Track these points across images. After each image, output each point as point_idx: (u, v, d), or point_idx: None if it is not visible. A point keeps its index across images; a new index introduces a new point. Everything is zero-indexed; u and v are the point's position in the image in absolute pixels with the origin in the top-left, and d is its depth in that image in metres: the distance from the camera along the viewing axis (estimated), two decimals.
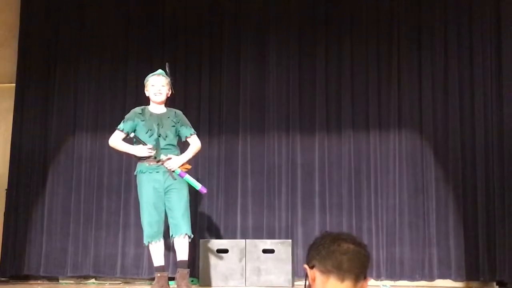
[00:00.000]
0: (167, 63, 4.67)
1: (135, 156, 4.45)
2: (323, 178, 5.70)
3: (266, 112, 5.86)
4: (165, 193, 4.38)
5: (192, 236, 4.46)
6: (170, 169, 4.39)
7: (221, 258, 5.16)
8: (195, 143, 4.61)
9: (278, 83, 5.89)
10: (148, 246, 4.39)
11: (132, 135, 4.46)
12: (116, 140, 4.52)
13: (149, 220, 4.34)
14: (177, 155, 4.48)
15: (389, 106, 5.72)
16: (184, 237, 4.36)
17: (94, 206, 5.85)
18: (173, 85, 4.67)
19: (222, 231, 5.73)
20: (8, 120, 6.10)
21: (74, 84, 6.07)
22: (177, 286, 4.40)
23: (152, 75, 4.58)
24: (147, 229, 4.35)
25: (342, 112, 5.76)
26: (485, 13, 5.66)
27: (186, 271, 4.40)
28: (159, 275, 4.38)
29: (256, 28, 6.01)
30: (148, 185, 4.35)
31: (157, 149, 4.39)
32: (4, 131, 6.16)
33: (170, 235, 4.42)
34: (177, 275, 4.40)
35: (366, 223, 5.58)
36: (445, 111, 5.62)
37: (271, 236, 5.58)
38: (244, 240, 5.32)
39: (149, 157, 4.36)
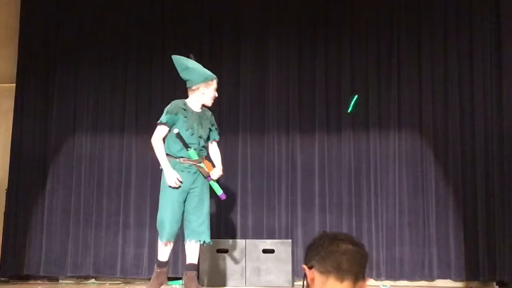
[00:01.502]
0: (191, 54, 4.55)
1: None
2: (323, 178, 5.70)
3: (266, 112, 5.86)
4: (188, 193, 4.32)
5: (211, 243, 4.44)
6: (212, 178, 4.37)
7: (221, 258, 5.16)
8: (217, 148, 4.60)
9: (278, 83, 5.89)
10: (167, 244, 4.29)
11: (175, 131, 4.28)
12: (160, 141, 4.30)
13: (172, 218, 4.25)
14: (204, 156, 4.45)
15: (389, 106, 5.72)
16: (200, 243, 4.33)
17: (94, 206, 5.85)
18: None
19: (222, 231, 5.72)
20: (8, 120, 6.10)
21: (74, 84, 6.07)
22: (186, 287, 4.36)
23: (215, 78, 4.47)
24: (168, 227, 4.25)
25: (342, 112, 5.76)
26: (485, 13, 5.66)
27: (195, 273, 4.38)
28: (159, 270, 4.35)
29: (256, 28, 6.01)
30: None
31: (196, 149, 4.32)
32: (4, 131, 6.15)
33: (185, 237, 4.35)
34: (184, 277, 4.37)
35: (366, 223, 5.58)
36: (445, 111, 5.62)
37: (271, 236, 5.58)
38: (244, 240, 5.33)
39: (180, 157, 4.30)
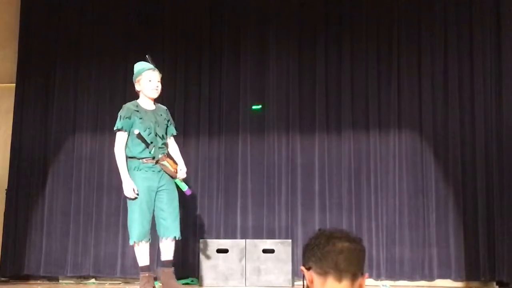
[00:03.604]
0: (147, 56, 4.55)
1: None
2: (323, 178, 5.70)
3: (266, 112, 5.86)
4: (156, 192, 4.35)
5: (180, 237, 4.49)
6: (179, 178, 4.41)
7: (221, 258, 5.16)
8: (175, 144, 4.63)
9: (278, 83, 5.89)
10: (137, 244, 4.29)
11: (136, 132, 4.29)
12: (122, 149, 4.33)
13: (141, 219, 4.27)
14: (166, 153, 4.47)
15: (389, 106, 5.71)
16: (173, 240, 4.38)
17: (94, 206, 5.85)
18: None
19: (222, 231, 5.72)
20: (8, 120, 6.10)
21: (74, 84, 6.07)
22: (164, 284, 4.36)
23: (147, 69, 4.45)
24: (138, 228, 4.26)
25: (342, 112, 5.76)
26: (485, 13, 5.65)
27: (172, 269, 4.40)
28: (147, 274, 4.34)
29: (256, 28, 6.00)
30: (142, 184, 4.28)
31: (155, 147, 4.34)
32: (4, 131, 6.16)
33: (160, 235, 4.40)
34: (162, 274, 4.37)
35: (366, 223, 5.58)
36: (445, 111, 5.62)
37: (271, 236, 5.58)
38: (244, 240, 5.33)
39: (143, 158, 4.32)
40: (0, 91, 6.26)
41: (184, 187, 4.45)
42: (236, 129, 5.87)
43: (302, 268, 1.70)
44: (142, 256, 4.33)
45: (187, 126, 5.92)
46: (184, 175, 4.51)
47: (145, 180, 4.30)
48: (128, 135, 4.35)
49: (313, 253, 1.68)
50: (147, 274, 4.34)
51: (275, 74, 5.89)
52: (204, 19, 6.06)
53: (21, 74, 6.14)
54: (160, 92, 4.57)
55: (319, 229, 1.78)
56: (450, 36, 5.70)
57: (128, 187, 4.26)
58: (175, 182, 4.42)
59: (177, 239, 4.42)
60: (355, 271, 1.66)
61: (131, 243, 4.35)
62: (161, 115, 4.51)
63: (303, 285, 1.72)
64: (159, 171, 4.35)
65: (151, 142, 4.34)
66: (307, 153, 5.77)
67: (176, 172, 4.41)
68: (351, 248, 1.68)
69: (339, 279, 1.65)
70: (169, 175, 4.39)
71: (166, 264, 4.39)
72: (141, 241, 4.29)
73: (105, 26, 6.12)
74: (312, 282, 1.68)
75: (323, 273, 1.65)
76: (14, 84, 6.14)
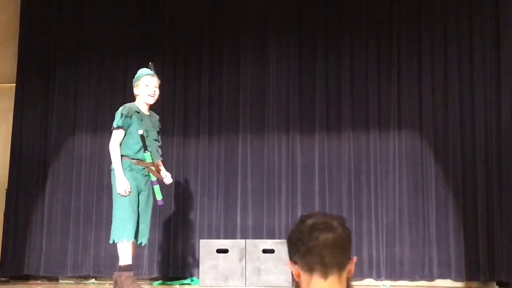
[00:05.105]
0: (150, 63, 4.56)
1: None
2: (323, 178, 5.70)
3: (266, 112, 5.86)
4: (138, 194, 4.33)
5: (146, 244, 4.48)
6: (165, 182, 4.46)
7: (221, 258, 5.16)
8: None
9: (278, 83, 5.89)
10: (127, 242, 4.24)
11: (140, 132, 4.27)
12: (118, 147, 4.29)
13: (134, 217, 4.25)
14: (160, 160, 4.52)
15: (389, 106, 5.71)
16: (138, 246, 4.34)
17: (94, 206, 5.85)
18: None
19: (222, 231, 5.72)
20: (8, 120, 6.10)
21: (74, 84, 6.07)
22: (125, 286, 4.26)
23: (145, 75, 4.46)
24: (130, 226, 4.23)
25: (342, 112, 5.76)
26: (485, 13, 5.66)
27: (132, 273, 4.31)
28: (132, 274, 4.28)
29: (256, 28, 6.01)
30: (133, 183, 4.27)
31: (151, 151, 4.34)
32: (4, 131, 6.16)
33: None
34: (126, 278, 4.24)
35: (366, 223, 5.58)
36: (445, 111, 5.62)
37: (271, 236, 5.58)
38: (244, 240, 5.32)
39: (136, 158, 4.31)
40: (0, 91, 6.26)
41: (160, 196, 4.41)
42: (236, 129, 5.87)
43: (289, 263, 1.69)
44: (127, 254, 4.26)
45: (187, 126, 5.92)
46: (171, 180, 4.53)
47: (135, 180, 4.29)
48: (125, 134, 4.33)
49: (297, 248, 1.66)
50: (132, 274, 4.30)
51: (275, 74, 5.89)
52: (204, 20, 6.06)
53: (21, 74, 6.14)
54: (159, 96, 4.54)
55: (300, 217, 1.75)
56: (450, 36, 5.70)
57: (124, 185, 4.22)
58: (153, 189, 4.40)
59: (143, 245, 4.40)
60: (341, 260, 1.64)
61: (121, 240, 4.24)
62: (155, 122, 4.54)
63: (292, 280, 1.71)
64: (146, 175, 4.35)
65: (148, 145, 4.33)
66: (307, 153, 5.77)
67: (162, 178, 4.43)
68: (334, 238, 1.64)
69: (325, 275, 1.62)
70: (156, 179, 4.36)
71: (128, 268, 4.27)
72: (132, 239, 4.26)
73: (105, 26, 6.12)
74: (299, 276, 1.66)
75: (309, 270, 1.63)
76: (14, 84, 6.14)
